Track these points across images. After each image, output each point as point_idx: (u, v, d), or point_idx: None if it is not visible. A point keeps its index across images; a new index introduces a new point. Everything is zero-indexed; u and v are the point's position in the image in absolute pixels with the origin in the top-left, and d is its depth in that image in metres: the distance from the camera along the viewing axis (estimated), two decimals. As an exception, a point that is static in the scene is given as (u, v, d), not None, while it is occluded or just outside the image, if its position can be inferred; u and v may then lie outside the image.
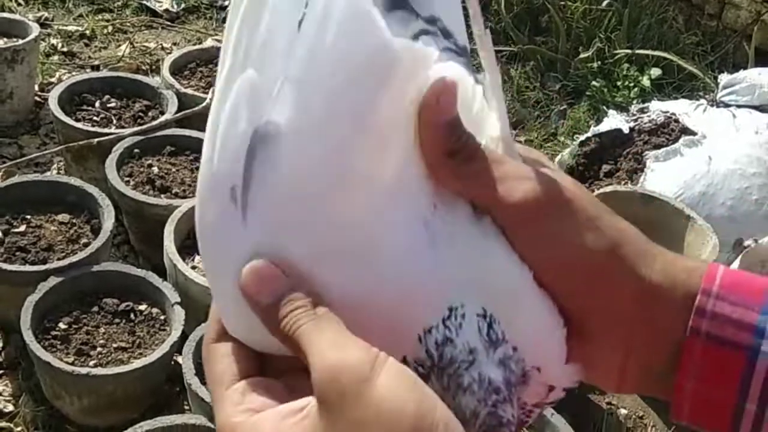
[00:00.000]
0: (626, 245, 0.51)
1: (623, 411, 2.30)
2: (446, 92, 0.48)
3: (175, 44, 3.63)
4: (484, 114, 0.52)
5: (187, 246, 2.24)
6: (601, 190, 2.63)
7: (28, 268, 2.13)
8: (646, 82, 3.44)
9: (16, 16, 3.19)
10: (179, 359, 1.99)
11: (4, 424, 2.05)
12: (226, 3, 3.97)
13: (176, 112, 2.70)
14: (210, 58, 3.04)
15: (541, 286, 0.49)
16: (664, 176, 2.80)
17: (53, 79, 3.23)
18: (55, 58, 3.42)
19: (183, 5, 3.91)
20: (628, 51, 3.51)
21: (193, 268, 2.15)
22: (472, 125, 0.50)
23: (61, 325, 2.06)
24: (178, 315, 2.05)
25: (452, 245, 0.48)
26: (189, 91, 2.81)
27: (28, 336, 1.95)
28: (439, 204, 0.49)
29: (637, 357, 0.51)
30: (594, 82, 3.44)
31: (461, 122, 0.49)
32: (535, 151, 0.55)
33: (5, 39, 2.98)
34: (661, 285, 0.51)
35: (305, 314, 0.45)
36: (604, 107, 3.29)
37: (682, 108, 2.99)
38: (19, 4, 3.68)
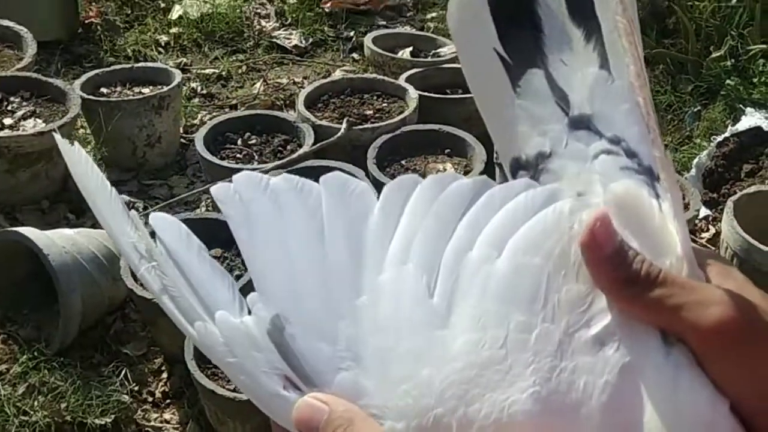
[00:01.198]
0: None
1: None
2: (600, 225, 0.47)
3: (305, 78, 3.76)
4: (665, 231, 0.50)
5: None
6: (745, 191, 2.57)
7: (187, 301, 2.25)
8: (784, 76, 3.32)
9: (159, 65, 3.39)
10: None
11: (174, 450, 2.18)
12: (351, 34, 4.09)
13: (313, 144, 2.81)
14: (341, 89, 3.15)
15: (735, 415, 0.46)
16: (810, 173, 2.70)
17: (195, 121, 3.41)
18: (196, 100, 3.61)
19: (311, 40, 4.05)
20: (763, 46, 3.40)
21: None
22: (652, 242, 0.49)
23: (221, 354, 2.16)
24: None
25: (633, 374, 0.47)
26: (324, 122, 2.91)
27: (192, 366, 2.06)
28: (618, 332, 0.47)
29: None
30: (728, 81, 3.35)
31: (627, 249, 0.48)
32: (715, 254, 0.53)
33: (151, 87, 3.17)
34: None
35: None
36: (741, 106, 3.20)
37: (825, 101, 2.88)
38: (159, 53, 3.91)
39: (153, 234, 0.54)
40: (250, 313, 0.51)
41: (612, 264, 0.47)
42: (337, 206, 0.53)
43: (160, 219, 0.54)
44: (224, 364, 0.51)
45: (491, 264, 0.49)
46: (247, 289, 0.52)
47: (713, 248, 2.67)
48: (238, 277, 2.36)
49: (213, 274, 0.53)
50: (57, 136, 0.56)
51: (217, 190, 0.54)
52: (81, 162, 0.55)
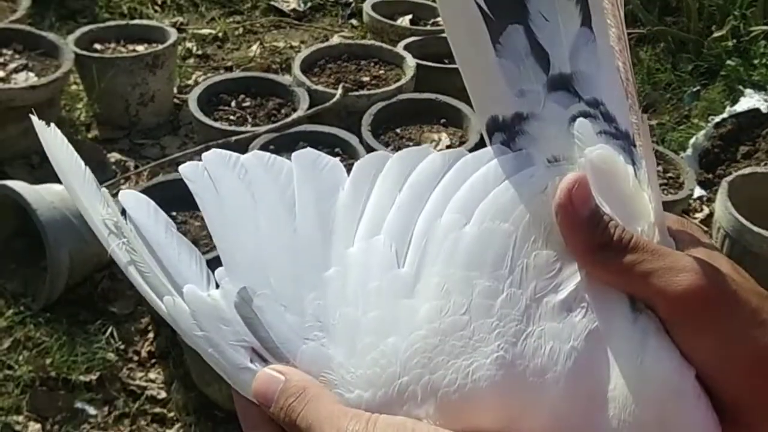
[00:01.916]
0: None
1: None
2: (578, 187, 0.47)
3: (303, 42, 3.73)
4: (639, 198, 0.50)
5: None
6: (739, 173, 2.56)
7: (175, 262, 2.24)
8: (785, 58, 3.31)
9: (155, 23, 3.35)
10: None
11: (158, 409, 2.17)
12: (350, 0, 4.05)
13: (308, 109, 2.78)
14: (338, 54, 3.12)
15: (700, 381, 0.46)
16: (807, 156, 2.69)
17: (190, 82, 3.38)
18: (191, 61, 3.57)
19: (309, 4, 4.00)
20: (765, 27, 3.38)
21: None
22: (625, 208, 0.49)
23: (208, 316, 2.16)
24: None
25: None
26: (319, 87, 2.88)
27: (178, 326, 2.05)
28: (586, 298, 0.47)
29: None
30: (729, 62, 3.33)
31: (602, 214, 0.48)
32: (687, 222, 0.53)
33: (146, 45, 3.13)
34: None
35: (297, 402, 0.47)
36: (741, 87, 3.18)
37: (825, 84, 2.87)
38: (156, 11, 3.86)
39: (124, 211, 0.55)
40: (218, 287, 0.52)
41: (586, 227, 0.47)
42: (308, 181, 0.53)
43: (129, 196, 0.55)
44: (192, 338, 0.51)
45: (459, 230, 0.49)
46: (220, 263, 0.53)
47: (706, 228, 2.66)
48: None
49: (180, 250, 0.54)
50: (33, 118, 0.56)
51: (186, 168, 0.54)
52: (56, 142, 0.56)
